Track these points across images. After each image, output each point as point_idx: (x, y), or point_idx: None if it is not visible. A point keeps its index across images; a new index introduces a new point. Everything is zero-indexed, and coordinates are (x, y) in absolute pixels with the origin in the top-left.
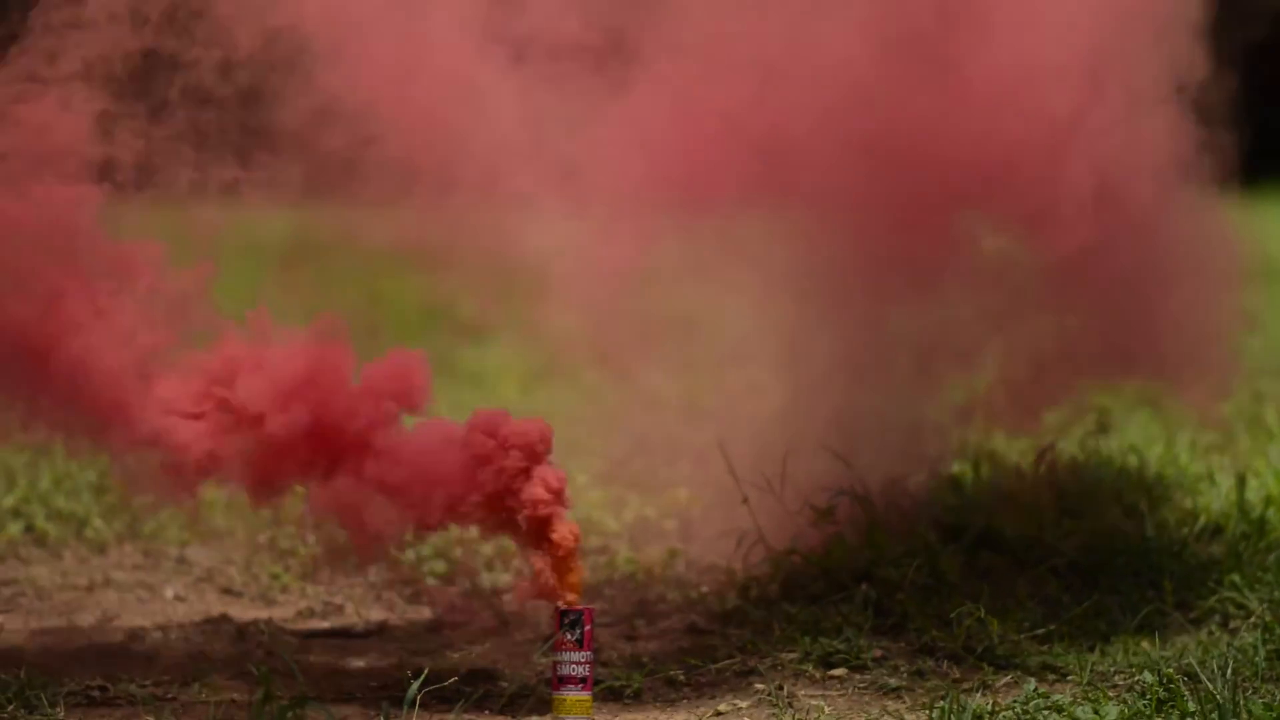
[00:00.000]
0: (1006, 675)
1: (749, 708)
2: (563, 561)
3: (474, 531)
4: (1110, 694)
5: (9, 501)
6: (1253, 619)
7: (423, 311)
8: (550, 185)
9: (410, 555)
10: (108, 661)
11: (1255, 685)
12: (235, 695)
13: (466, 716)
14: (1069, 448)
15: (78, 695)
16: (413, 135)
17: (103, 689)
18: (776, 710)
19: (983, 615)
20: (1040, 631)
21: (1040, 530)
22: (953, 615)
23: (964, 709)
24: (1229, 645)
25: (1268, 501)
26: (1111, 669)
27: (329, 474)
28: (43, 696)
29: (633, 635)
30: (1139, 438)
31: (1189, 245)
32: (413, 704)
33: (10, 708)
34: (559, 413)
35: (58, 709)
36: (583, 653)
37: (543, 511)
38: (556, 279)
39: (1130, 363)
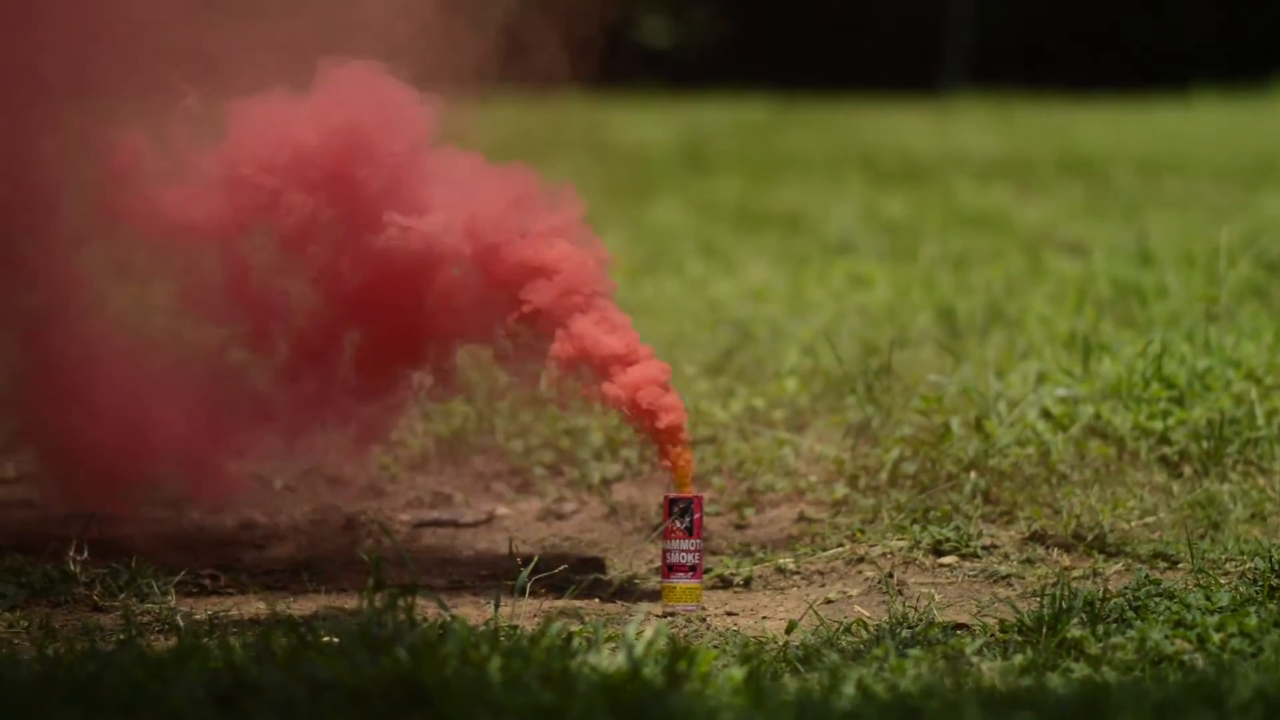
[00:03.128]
0: (1117, 562)
1: (859, 595)
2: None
3: (582, 421)
4: (1221, 580)
5: None
6: None
7: None
8: None
9: (518, 445)
10: (218, 551)
11: None
12: (345, 584)
13: (576, 603)
14: (1177, 338)
15: (189, 584)
16: None
17: (213, 578)
18: (887, 597)
19: (1093, 503)
20: (1150, 519)
21: (1149, 419)
22: (1063, 503)
23: (1074, 595)
24: None
25: None
26: (1222, 556)
27: None
28: (154, 585)
29: (742, 524)
30: (1247, 327)
31: None
32: (523, 591)
33: (122, 596)
34: (664, 305)
35: (169, 597)
36: (692, 540)
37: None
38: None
39: None
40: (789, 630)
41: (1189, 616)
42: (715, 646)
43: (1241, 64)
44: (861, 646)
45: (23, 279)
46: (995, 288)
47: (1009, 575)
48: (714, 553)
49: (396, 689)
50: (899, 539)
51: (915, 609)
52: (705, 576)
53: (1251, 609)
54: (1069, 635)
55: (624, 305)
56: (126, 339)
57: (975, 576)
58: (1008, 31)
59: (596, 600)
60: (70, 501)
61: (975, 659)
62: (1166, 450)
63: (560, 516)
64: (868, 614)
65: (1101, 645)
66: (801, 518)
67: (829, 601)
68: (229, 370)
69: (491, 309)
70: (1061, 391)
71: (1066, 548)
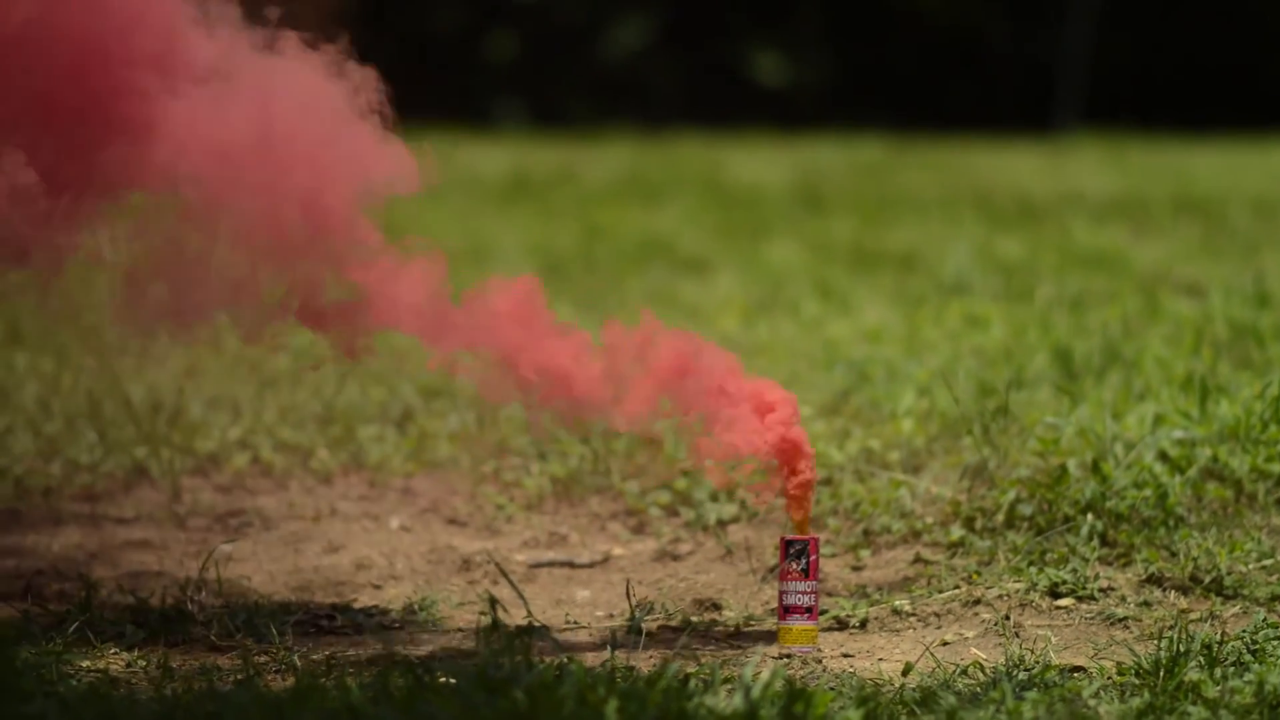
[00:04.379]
0: (1234, 605)
1: (975, 638)
2: (799, 493)
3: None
4: None
5: (235, 433)
6: None
7: (641, 244)
8: None
9: (634, 486)
10: (334, 591)
11: None
12: (461, 625)
13: (693, 645)
14: None
15: (305, 624)
16: None
17: (330, 618)
18: (1003, 640)
19: (1210, 546)
20: (1269, 562)
21: (1267, 462)
22: (1180, 546)
23: (1192, 639)
24: None
25: None
26: None
27: None
28: (271, 626)
29: (858, 565)
30: None
31: None
32: (639, 632)
33: (239, 636)
34: (780, 345)
35: (285, 638)
36: (808, 582)
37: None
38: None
39: None
40: (905, 672)
41: None
42: (831, 688)
43: None
44: (978, 689)
45: None
46: (1111, 329)
47: (1126, 618)
48: (830, 594)
49: None
50: (1015, 581)
51: (1032, 651)
52: (821, 618)
53: None
54: (1187, 678)
55: (739, 346)
56: None
57: (1092, 619)
58: (1122, 70)
59: (712, 642)
60: None
61: (1093, 702)
62: None
63: (676, 557)
64: (984, 656)
65: (1219, 689)
66: (917, 559)
67: (945, 644)
68: None
69: None
70: (1178, 433)
71: (1184, 590)
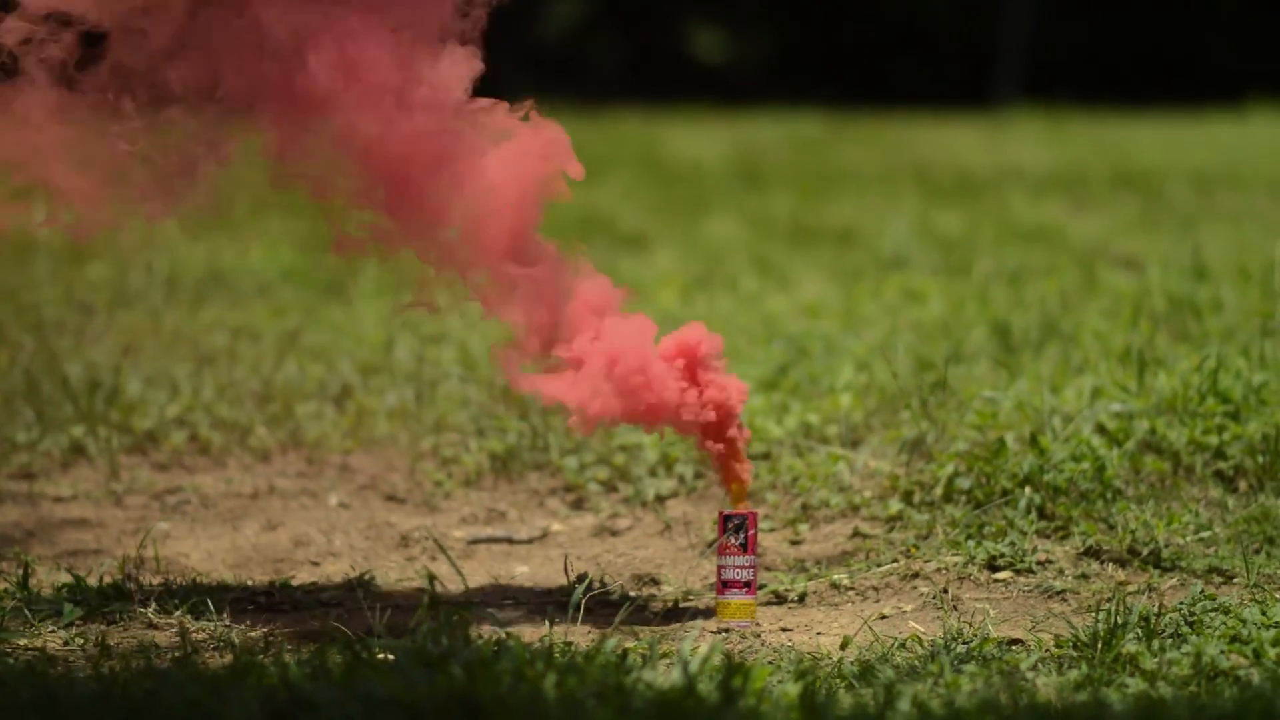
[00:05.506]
0: (1172, 578)
1: (913, 611)
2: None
3: (638, 438)
4: (1277, 595)
5: (173, 411)
6: None
7: (581, 220)
8: None
9: (572, 462)
10: (272, 568)
11: None
12: (400, 602)
13: (631, 621)
14: (1233, 352)
15: (243, 601)
16: None
17: (268, 595)
18: (941, 613)
19: (1148, 519)
20: (1206, 535)
21: (1204, 434)
22: (1118, 518)
23: (1130, 611)
24: None
25: None
26: (1278, 571)
27: None
28: (209, 603)
29: (796, 540)
30: None
31: None
32: (577, 608)
33: (178, 614)
34: (718, 320)
35: (224, 615)
36: (747, 557)
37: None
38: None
39: None
40: (844, 646)
41: (1245, 631)
42: (770, 663)
43: None
44: (916, 662)
45: None
46: (1049, 303)
47: (1064, 590)
48: (768, 569)
49: (452, 706)
50: (953, 554)
51: (970, 625)
52: (760, 593)
53: None
54: (1124, 650)
55: (677, 321)
56: None
57: (1030, 592)
58: (1062, 46)
59: (651, 617)
60: None
61: (1030, 674)
62: (1222, 465)
63: (614, 533)
64: (923, 630)
65: (1157, 660)
66: (856, 533)
67: (883, 617)
68: None
69: None
70: (1116, 407)
71: (1122, 563)
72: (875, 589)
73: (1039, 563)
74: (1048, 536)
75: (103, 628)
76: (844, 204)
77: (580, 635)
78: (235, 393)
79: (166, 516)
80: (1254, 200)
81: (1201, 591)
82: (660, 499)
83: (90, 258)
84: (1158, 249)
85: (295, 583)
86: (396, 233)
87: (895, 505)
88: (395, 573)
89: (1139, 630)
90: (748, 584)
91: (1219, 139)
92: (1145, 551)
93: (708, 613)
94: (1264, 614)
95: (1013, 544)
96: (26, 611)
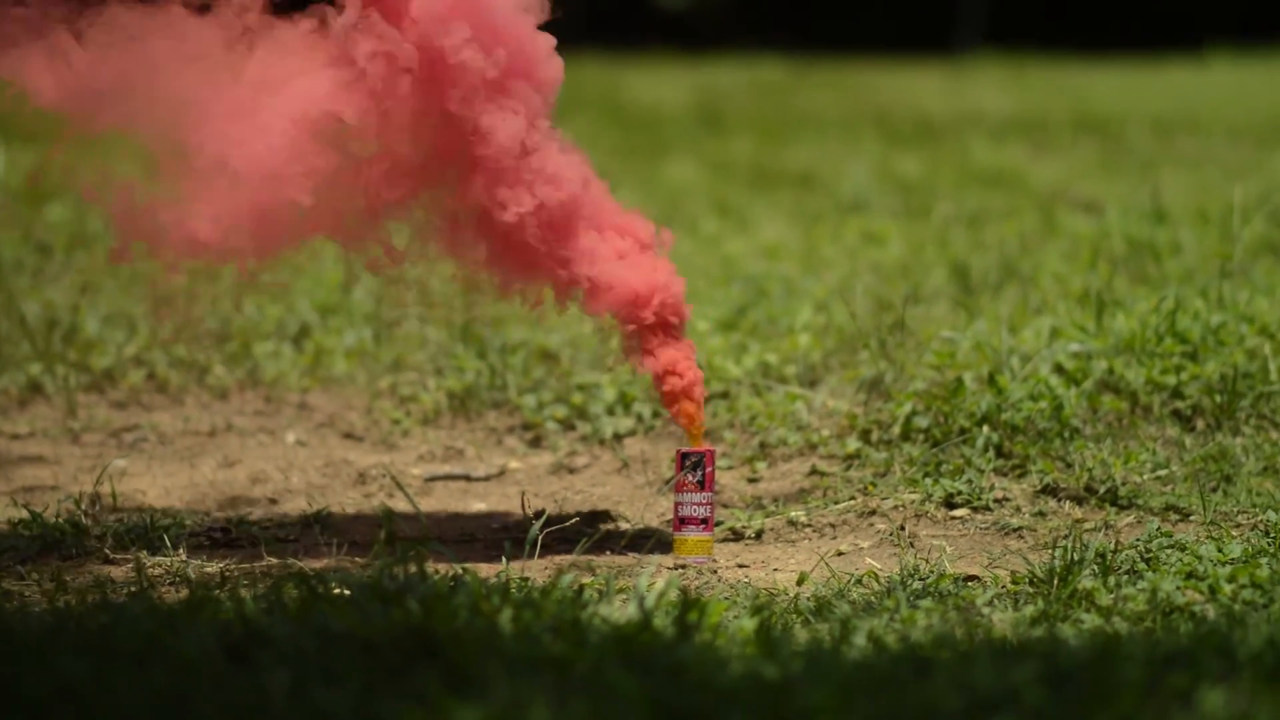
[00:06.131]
0: (1129, 515)
1: (870, 548)
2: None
3: (596, 377)
4: (1233, 532)
5: (131, 350)
6: None
7: None
8: None
9: (530, 401)
10: (230, 505)
11: None
12: (357, 538)
13: (588, 556)
14: (1191, 294)
15: (200, 538)
16: None
17: (225, 531)
18: (898, 550)
19: (1105, 457)
20: (1163, 473)
21: (1162, 374)
22: (1075, 457)
23: (1086, 548)
24: None
25: None
26: (1234, 509)
27: None
28: (166, 539)
29: (754, 478)
30: (1261, 283)
31: None
32: (534, 544)
33: (134, 549)
34: (678, 262)
35: (180, 551)
36: (704, 494)
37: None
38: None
39: None
40: (800, 582)
41: (1201, 568)
42: (726, 598)
43: (1256, 23)
44: (873, 598)
45: None
46: (1009, 245)
47: (1021, 528)
48: (726, 506)
49: (408, 640)
50: (911, 492)
51: (927, 561)
52: (717, 529)
53: (1263, 560)
54: (1080, 587)
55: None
56: None
57: (987, 529)
58: None
59: (608, 553)
60: None
61: (987, 610)
62: (1179, 404)
63: (572, 471)
64: (879, 566)
65: (1113, 596)
66: (813, 471)
67: (840, 554)
68: None
69: None
70: (1075, 347)
71: (1078, 501)
72: (832, 526)
73: (996, 500)
74: (1005, 475)
75: (58, 563)
76: (804, 148)
77: (537, 571)
78: (194, 332)
79: (124, 454)
80: (1213, 145)
81: (1158, 529)
82: (618, 437)
83: (48, 199)
84: (1117, 192)
85: (252, 519)
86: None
87: (853, 444)
88: (353, 510)
89: (1095, 567)
90: (705, 521)
91: (1179, 85)
92: (1102, 489)
93: (665, 549)
94: (1220, 551)
95: (970, 482)
96: None
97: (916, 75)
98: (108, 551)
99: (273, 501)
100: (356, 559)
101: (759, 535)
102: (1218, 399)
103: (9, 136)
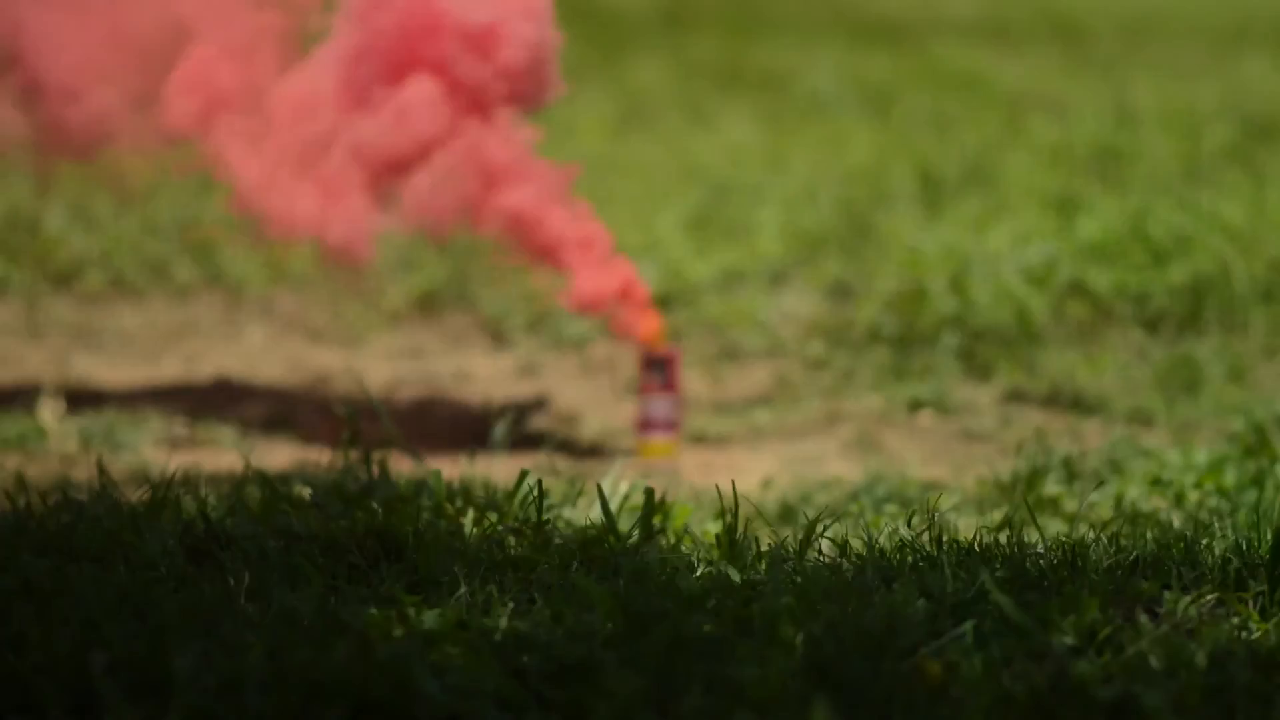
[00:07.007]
0: (1094, 421)
1: (835, 452)
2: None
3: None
4: (1198, 439)
5: (95, 248)
6: None
7: None
8: None
9: (494, 303)
10: (193, 404)
11: None
12: (320, 438)
13: (552, 459)
14: (1157, 199)
15: (163, 437)
16: None
17: (187, 431)
18: (863, 454)
19: (1071, 362)
20: (1128, 379)
21: (1128, 279)
22: (1040, 362)
23: (1051, 453)
24: None
25: None
26: (1200, 415)
27: None
28: (128, 437)
29: (719, 381)
30: (1227, 189)
31: None
32: (499, 446)
33: (96, 448)
34: (642, 163)
35: (143, 450)
36: (668, 396)
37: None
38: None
39: None
40: (765, 486)
41: (1166, 474)
42: (690, 502)
43: None
44: (837, 503)
45: None
46: (974, 148)
47: (986, 433)
48: (690, 409)
49: (370, 541)
50: (876, 397)
51: (892, 466)
52: (681, 433)
53: (1228, 467)
54: (1046, 492)
55: (601, 165)
56: None
57: (952, 434)
58: None
59: (572, 456)
60: None
61: (951, 515)
62: (1146, 310)
63: (536, 373)
64: (844, 471)
65: (1079, 502)
66: (778, 376)
67: (805, 459)
68: None
69: None
70: (1040, 251)
71: (1044, 406)
72: (798, 429)
73: (961, 405)
74: (970, 380)
75: (19, 461)
76: (769, 48)
77: (501, 473)
78: (158, 231)
79: (86, 352)
80: (1180, 47)
81: (1123, 435)
82: (582, 340)
83: None
84: (1083, 96)
85: (215, 419)
86: None
87: (818, 348)
88: (315, 410)
89: (1060, 473)
90: (669, 424)
91: None
92: (1067, 395)
93: (629, 452)
94: (1185, 457)
95: (935, 387)
96: None
97: None
98: (69, 450)
99: (235, 402)
100: (319, 460)
101: (724, 438)
102: (1183, 305)
103: None
